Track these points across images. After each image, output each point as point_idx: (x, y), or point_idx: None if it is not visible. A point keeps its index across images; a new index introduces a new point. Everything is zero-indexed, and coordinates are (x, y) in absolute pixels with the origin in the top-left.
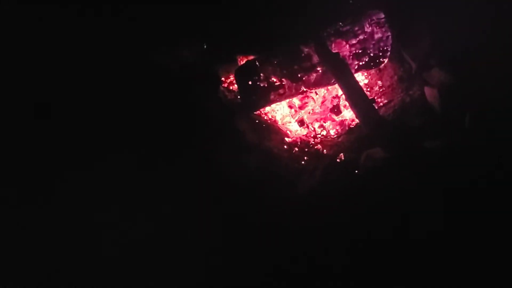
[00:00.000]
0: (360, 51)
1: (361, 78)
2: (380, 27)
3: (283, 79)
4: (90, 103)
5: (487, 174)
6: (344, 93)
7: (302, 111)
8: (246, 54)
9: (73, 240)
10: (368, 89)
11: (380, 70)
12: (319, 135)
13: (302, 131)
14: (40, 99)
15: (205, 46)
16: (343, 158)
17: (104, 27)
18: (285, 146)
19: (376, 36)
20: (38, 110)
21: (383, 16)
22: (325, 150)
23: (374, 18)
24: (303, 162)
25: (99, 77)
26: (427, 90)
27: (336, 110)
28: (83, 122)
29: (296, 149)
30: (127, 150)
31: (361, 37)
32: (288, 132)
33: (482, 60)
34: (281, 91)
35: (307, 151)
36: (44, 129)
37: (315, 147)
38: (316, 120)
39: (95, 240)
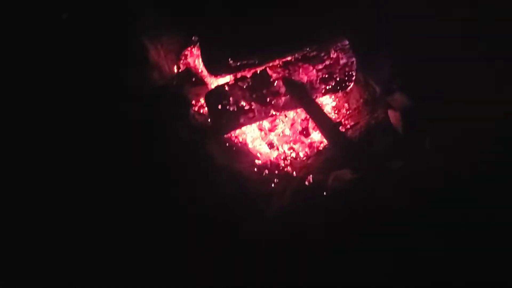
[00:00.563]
0: (326, 76)
1: (329, 101)
2: (345, 53)
3: (252, 103)
4: (54, 130)
5: (448, 194)
6: (310, 117)
7: (272, 134)
8: (215, 76)
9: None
10: (336, 112)
11: (346, 93)
12: (289, 157)
13: (272, 154)
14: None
15: (176, 69)
16: (311, 180)
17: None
18: (255, 169)
19: (342, 61)
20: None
21: (347, 43)
22: (294, 172)
23: (339, 44)
24: (272, 185)
25: (65, 101)
26: (391, 113)
27: (305, 132)
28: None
29: (266, 171)
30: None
31: (327, 62)
32: (258, 154)
33: (442, 84)
34: (250, 114)
35: (277, 173)
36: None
37: (285, 169)
38: (286, 143)
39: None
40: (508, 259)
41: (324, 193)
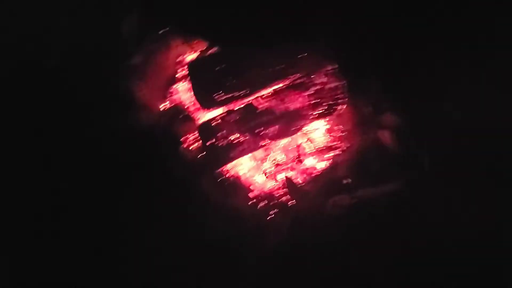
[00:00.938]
0: (317, 100)
1: (322, 124)
2: (334, 77)
3: (244, 134)
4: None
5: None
6: None
7: (266, 163)
8: (208, 109)
9: None
10: (330, 135)
11: (338, 116)
12: (284, 186)
13: (267, 184)
14: None
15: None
16: (309, 207)
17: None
18: (251, 201)
19: (331, 85)
20: None
21: (335, 67)
22: (291, 201)
23: (327, 69)
24: (270, 216)
25: (55, 149)
26: (383, 133)
27: (298, 159)
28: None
29: (262, 202)
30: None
31: (317, 87)
32: (253, 186)
33: (432, 102)
34: (242, 146)
35: (274, 204)
36: None
37: (281, 199)
38: (280, 171)
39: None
40: None
41: (323, 220)
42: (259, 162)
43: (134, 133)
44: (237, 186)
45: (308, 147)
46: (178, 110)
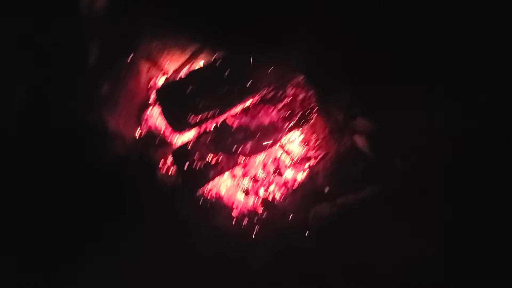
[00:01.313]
0: (288, 113)
1: (296, 135)
2: (302, 88)
3: (219, 154)
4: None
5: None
6: None
7: (245, 180)
8: (180, 132)
9: None
10: (306, 144)
11: (311, 125)
12: (266, 201)
13: (249, 201)
14: None
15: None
16: (292, 221)
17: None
18: (234, 220)
19: (300, 96)
20: None
21: (302, 77)
22: (273, 216)
23: (295, 80)
24: (254, 233)
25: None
26: (357, 138)
27: (278, 172)
28: None
29: (245, 220)
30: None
31: (286, 99)
32: (234, 204)
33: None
34: (219, 166)
35: (256, 220)
36: None
37: (264, 214)
38: (260, 186)
39: None
40: None
41: (306, 233)
42: (239, 179)
43: (109, 163)
44: (218, 206)
45: (285, 160)
46: (153, 135)
